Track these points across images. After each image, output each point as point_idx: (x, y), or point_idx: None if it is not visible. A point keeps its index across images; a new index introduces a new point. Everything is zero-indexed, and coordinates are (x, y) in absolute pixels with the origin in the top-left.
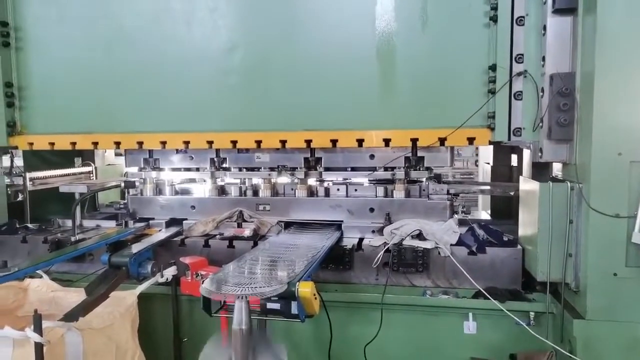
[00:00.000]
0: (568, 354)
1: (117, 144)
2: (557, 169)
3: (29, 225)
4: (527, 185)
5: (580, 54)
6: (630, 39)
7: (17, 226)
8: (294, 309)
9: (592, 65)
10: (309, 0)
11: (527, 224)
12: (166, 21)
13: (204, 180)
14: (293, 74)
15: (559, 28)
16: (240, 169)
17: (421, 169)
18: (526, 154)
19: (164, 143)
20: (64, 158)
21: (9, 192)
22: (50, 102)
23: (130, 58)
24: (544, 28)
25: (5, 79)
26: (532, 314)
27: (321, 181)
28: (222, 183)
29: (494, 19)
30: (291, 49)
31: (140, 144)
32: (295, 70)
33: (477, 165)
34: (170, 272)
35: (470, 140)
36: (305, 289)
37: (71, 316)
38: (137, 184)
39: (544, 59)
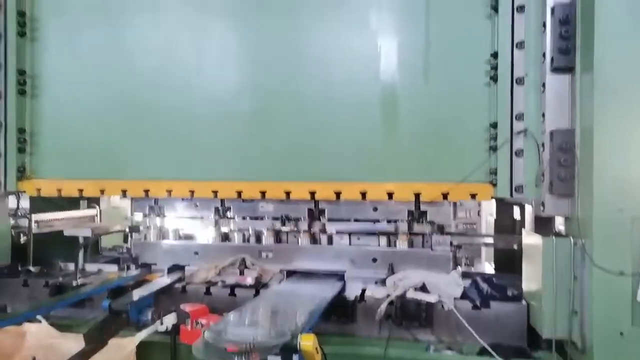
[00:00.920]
0: None
1: (124, 192)
2: (559, 222)
3: (31, 268)
4: (530, 239)
5: (579, 111)
6: (628, 95)
7: (19, 269)
8: None
9: (590, 122)
10: (315, 52)
11: (531, 279)
12: (175, 70)
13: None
14: (298, 124)
15: (558, 86)
16: (244, 218)
17: (424, 222)
18: (529, 207)
19: (169, 192)
20: (70, 201)
21: (14, 234)
22: (60, 147)
23: (139, 105)
24: (543, 86)
25: (19, 125)
26: None
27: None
28: (226, 230)
29: (495, 79)
30: (297, 100)
31: (147, 192)
32: (300, 121)
33: (479, 216)
34: (170, 320)
35: (473, 196)
36: (307, 342)
37: None
38: (141, 228)
39: (543, 115)
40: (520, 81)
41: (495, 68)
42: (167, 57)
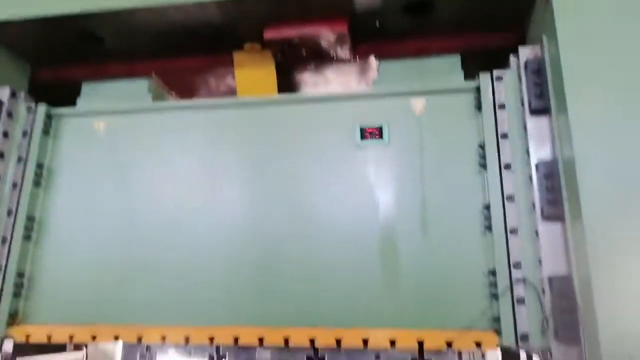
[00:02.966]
0: None
1: (116, 337)
2: None
3: None
4: None
5: (574, 259)
6: (621, 242)
7: None
8: None
9: (587, 271)
10: (318, 205)
11: None
12: (179, 218)
13: None
14: (299, 269)
15: (551, 233)
16: None
17: None
18: (536, 358)
19: (164, 338)
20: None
21: None
22: (53, 291)
23: (136, 251)
24: (537, 233)
25: (19, 269)
26: None
27: None
28: None
29: (490, 228)
30: (298, 246)
31: (140, 338)
32: (299, 266)
33: None
34: None
35: (478, 344)
36: None
37: None
38: None
39: (540, 262)
40: (514, 231)
41: (488, 219)
42: (171, 207)
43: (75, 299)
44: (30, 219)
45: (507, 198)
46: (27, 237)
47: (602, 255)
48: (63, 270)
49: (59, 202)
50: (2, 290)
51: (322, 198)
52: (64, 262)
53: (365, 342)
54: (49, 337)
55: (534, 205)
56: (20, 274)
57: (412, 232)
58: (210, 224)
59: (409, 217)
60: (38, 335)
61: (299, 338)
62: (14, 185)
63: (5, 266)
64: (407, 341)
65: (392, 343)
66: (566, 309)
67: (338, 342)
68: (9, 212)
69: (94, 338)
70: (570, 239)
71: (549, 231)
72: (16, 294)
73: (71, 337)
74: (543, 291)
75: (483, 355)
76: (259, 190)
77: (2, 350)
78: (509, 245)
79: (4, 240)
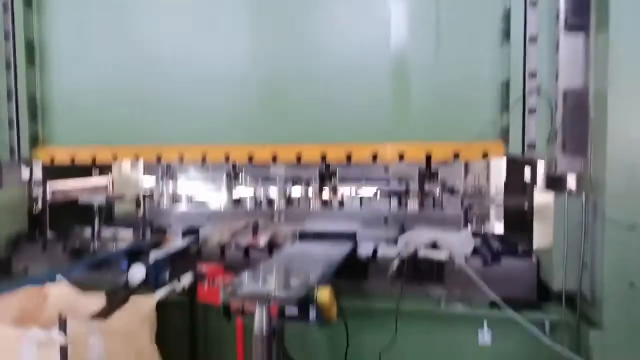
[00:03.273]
0: None
1: (137, 156)
2: (571, 181)
3: (49, 233)
4: (541, 197)
5: (593, 71)
6: None
7: (38, 234)
8: (312, 314)
9: (604, 82)
10: (325, 20)
11: (542, 236)
12: (186, 40)
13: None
14: (309, 86)
15: (572, 45)
16: (255, 182)
17: (435, 181)
18: (540, 166)
19: (182, 156)
20: (82, 169)
21: (29, 202)
22: (71, 115)
23: (150, 72)
24: (557, 45)
25: (29, 94)
26: (547, 325)
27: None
28: (238, 193)
29: (507, 37)
30: (307, 64)
31: (159, 157)
32: (311, 83)
33: (488, 181)
34: (187, 280)
35: (485, 155)
36: (324, 294)
37: (98, 316)
38: (154, 194)
39: (557, 75)
40: (533, 39)
41: (508, 27)
42: (179, 24)
43: (94, 122)
44: (28, 43)
45: (529, 3)
46: (30, 61)
47: (623, 68)
48: (75, 93)
49: (56, 23)
50: (17, 114)
51: (331, 12)
52: (74, 85)
53: (374, 156)
54: (73, 158)
55: (557, 14)
56: (31, 98)
57: (425, 42)
58: (219, 46)
59: (422, 26)
60: (62, 156)
61: (311, 154)
62: (4, 6)
63: (16, 90)
64: (416, 154)
65: (401, 157)
66: (577, 121)
67: (348, 157)
68: (6, 36)
69: (115, 157)
70: (592, 51)
71: (570, 42)
72: (32, 118)
73: (94, 158)
74: (556, 105)
75: (488, 166)
76: (269, 11)
77: (33, 174)
78: (527, 54)
79: (7, 65)
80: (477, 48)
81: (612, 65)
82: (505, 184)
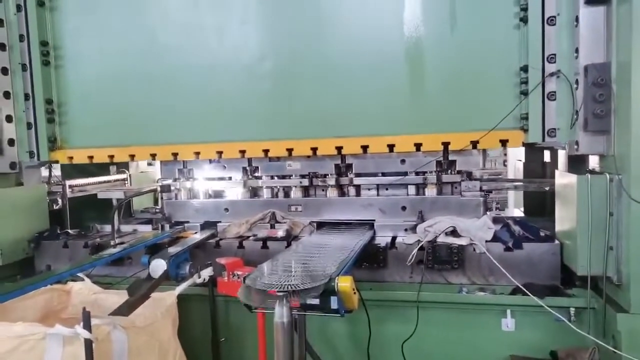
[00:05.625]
0: (612, 349)
1: (153, 155)
2: (593, 162)
3: (69, 231)
4: (563, 179)
5: (616, 44)
6: None
7: (59, 232)
8: (334, 304)
9: (628, 55)
10: (337, 8)
11: (564, 219)
12: (198, 34)
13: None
14: (323, 80)
15: (592, 19)
16: (272, 177)
17: (453, 172)
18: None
19: (197, 154)
20: (99, 167)
21: (49, 200)
22: (88, 117)
23: (164, 71)
24: (577, 20)
25: (45, 95)
26: (572, 310)
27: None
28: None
29: (525, 20)
30: (320, 56)
31: (175, 155)
32: (324, 77)
33: (505, 166)
34: (207, 273)
35: (503, 143)
36: (345, 283)
37: (120, 311)
38: (172, 188)
39: (577, 50)
40: (552, 21)
41: (525, 9)
42: (191, 22)
43: (110, 123)
44: (43, 43)
45: None
46: (45, 62)
47: None
48: (90, 94)
49: (70, 24)
50: (35, 117)
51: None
52: (89, 86)
53: (391, 147)
54: (91, 158)
55: None
56: (48, 101)
57: (440, 29)
58: (228, 38)
59: (437, 12)
60: (80, 157)
61: (326, 147)
62: (18, 7)
63: (33, 93)
64: (432, 145)
65: (418, 147)
66: (599, 98)
67: (364, 148)
68: (21, 37)
69: (132, 157)
70: (614, 24)
71: (590, 16)
72: (50, 120)
73: (111, 157)
74: (577, 82)
75: (505, 154)
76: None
77: (52, 175)
78: (545, 36)
79: (23, 67)
80: (493, 33)
81: (636, 37)
82: (525, 168)
